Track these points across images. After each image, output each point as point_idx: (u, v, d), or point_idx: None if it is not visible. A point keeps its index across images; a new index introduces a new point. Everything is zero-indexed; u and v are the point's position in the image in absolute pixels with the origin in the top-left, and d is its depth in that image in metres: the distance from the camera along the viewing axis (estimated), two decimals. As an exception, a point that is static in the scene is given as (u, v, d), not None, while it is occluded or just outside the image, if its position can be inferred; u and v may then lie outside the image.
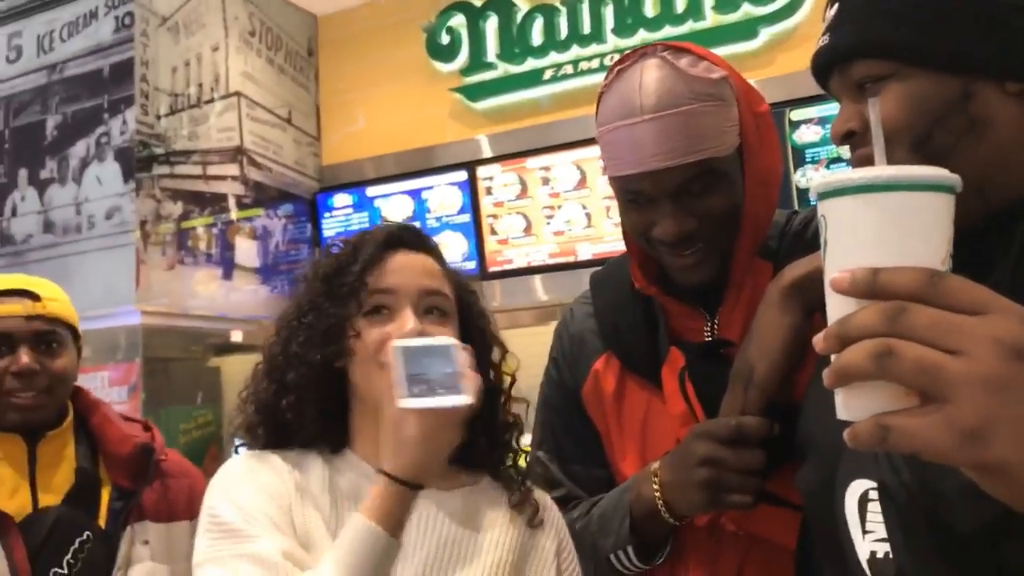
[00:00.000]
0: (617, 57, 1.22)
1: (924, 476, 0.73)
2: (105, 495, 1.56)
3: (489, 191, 4.04)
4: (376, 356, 1.05)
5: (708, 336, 1.23)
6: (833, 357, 0.56)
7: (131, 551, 1.52)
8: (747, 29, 3.67)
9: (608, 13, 3.92)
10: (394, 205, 4.25)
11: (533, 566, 1.11)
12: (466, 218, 4.08)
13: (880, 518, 0.78)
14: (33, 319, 1.54)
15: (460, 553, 1.08)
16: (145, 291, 3.53)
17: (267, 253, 4.15)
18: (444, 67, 4.22)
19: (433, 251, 1.16)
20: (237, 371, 3.97)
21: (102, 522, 1.53)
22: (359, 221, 4.29)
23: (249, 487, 1.05)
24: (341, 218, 4.34)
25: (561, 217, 3.91)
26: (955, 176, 0.58)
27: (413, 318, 1.06)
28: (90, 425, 1.64)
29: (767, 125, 1.21)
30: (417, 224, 1.24)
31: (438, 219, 4.14)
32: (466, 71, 4.18)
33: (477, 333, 1.15)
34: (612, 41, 3.90)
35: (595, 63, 3.92)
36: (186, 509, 1.61)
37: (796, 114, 3.48)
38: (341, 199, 4.34)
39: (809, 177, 3.45)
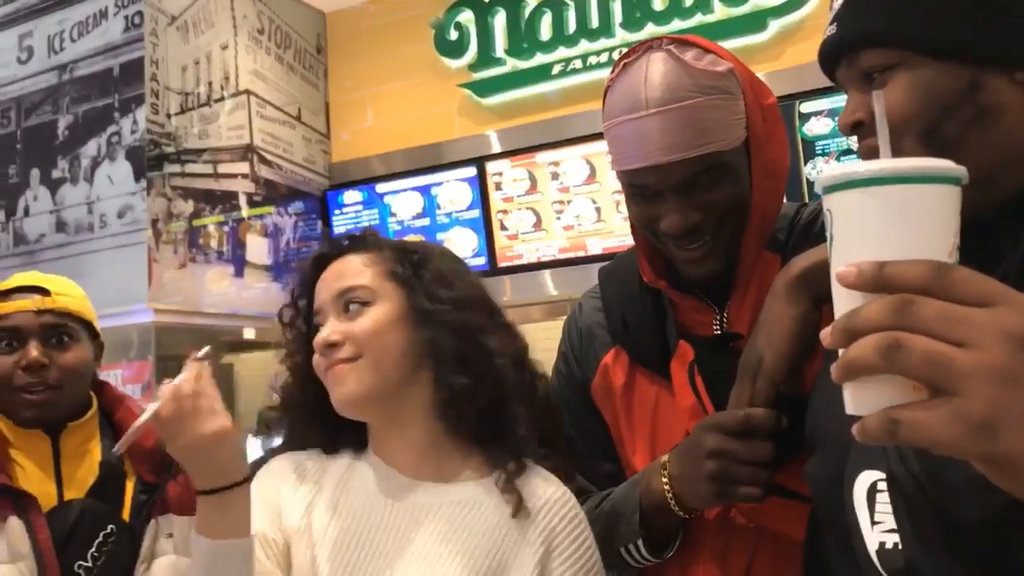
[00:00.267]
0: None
1: (933, 467, 0.73)
2: (129, 489, 1.57)
3: (498, 186, 4.04)
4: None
5: (717, 329, 1.22)
6: (841, 351, 0.56)
7: (155, 544, 1.52)
8: (756, 22, 3.66)
9: (616, 7, 3.92)
10: (403, 202, 4.26)
11: (517, 564, 1.08)
12: (475, 214, 4.09)
13: (889, 509, 0.77)
14: (43, 313, 1.54)
15: (442, 547, 1.09)
16: (157, 289, 3.55)
17: (278, 250, 4.16)
18: (453, 63, 4.22)
19: (355, 246, 1.20)
20: (251, 368, 4.00)
21: (126, 515, 1.53)
22: (369, 218, 4.30)
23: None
24: (351, 215, 4.35)
25: (571, 212, 3.91)
26: (961, 168, 0.58)
27: (324, 328, 1.14)
28: (114, 419, 1.65)
29: (774, 118, 1.21)
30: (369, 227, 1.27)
31: (448, 215, 4.15)
32: (475, 67, 4.18)
33: (434, 293, 1.15)
34: (620, 35, 3.90)
35: (604, 57, 3.92)
36: None
37: (806, 106, 3.47)
38: (351, 196, 4.35)
39: (820, 170, 3.44)
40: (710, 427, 1.09)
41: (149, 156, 3.61)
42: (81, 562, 1.46)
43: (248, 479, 1.08)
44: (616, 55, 3.84)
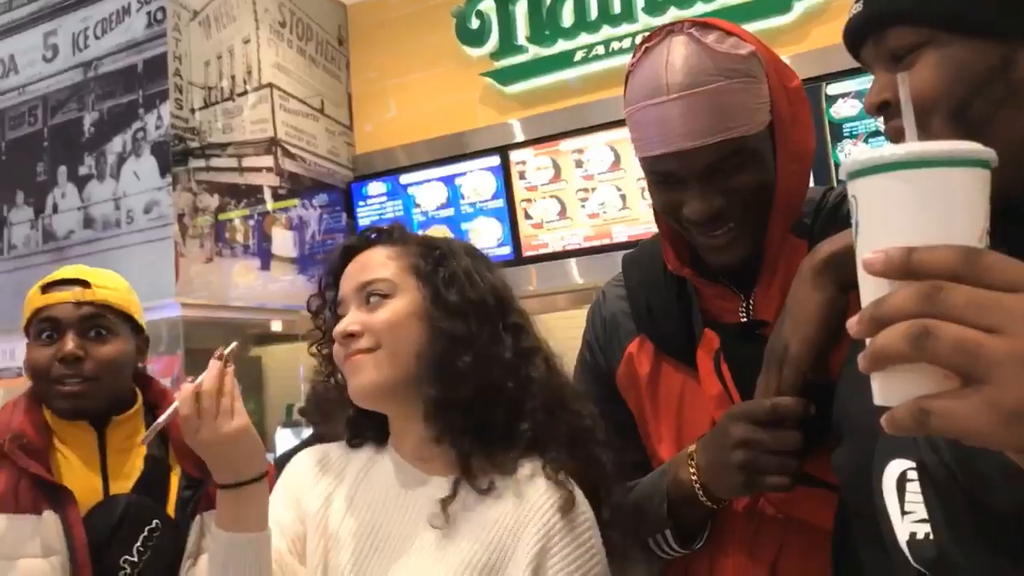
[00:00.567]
0: (646, 36, 1.20)
1: (964, 456, 0.72)
2: (174, 483, 1.58)
3: (522, 175, 4.03)
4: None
5: (743, 316, 1.21)
6: (868, 341, 0.55)
7: (201, 541, 1.52)
8: (780, 3, 3.61)
9: (638, -8, 3.89)
10: (427, 192, 4.26)
11: (514, 560, 1.07)
12: (500, 203, 4.09)
13: (919, 498, 0.76)
14: (81, 305, 1.55)
15: (445, 540, 1.10)
16: (185, 284, 3.57)
17: (303, 243, 4.18)
18: (474, 52, 4.21)
19: (380, 239, 1.22)
20: (278, 361, 4.03)
21: (171, 510, 1.54)
22: (393, 209, 4.31)
23: (276, 489, 1.23)
24: (376, 206, 4.36)
25: (595, 199, 3.90)
26: (990, 150, 0.56)
27: (345, 319, 1.16)
28: (158, 414, 1.64)
29: (799, 100, 1.18)
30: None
31: (472, 205, 4.15)
32: (496, 55, 4.17)
33: (444, 296, 1.15)
34: (643, 20, 3.87)
35: (626, 43, 3.89)
36: None
37: (832, 88, 3.42)
38: (375, 188, 4.36)
39: (848, 152, 3.40)
40: (737, 416, 1.08)
41: (174, 151, 3.63)
42: (127, 556, 1.47)
43: (265, 475, 1.12)
44: (639, 40, 3.78)
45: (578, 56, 3.99)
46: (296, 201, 4.16)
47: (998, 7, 0.81)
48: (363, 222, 4.33)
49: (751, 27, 1.21)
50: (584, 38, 3.98)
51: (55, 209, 3.91)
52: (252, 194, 3.95)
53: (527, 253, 4.03)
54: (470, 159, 4.14)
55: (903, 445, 0.78)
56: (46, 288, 1.58)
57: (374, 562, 1.11)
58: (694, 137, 1.10)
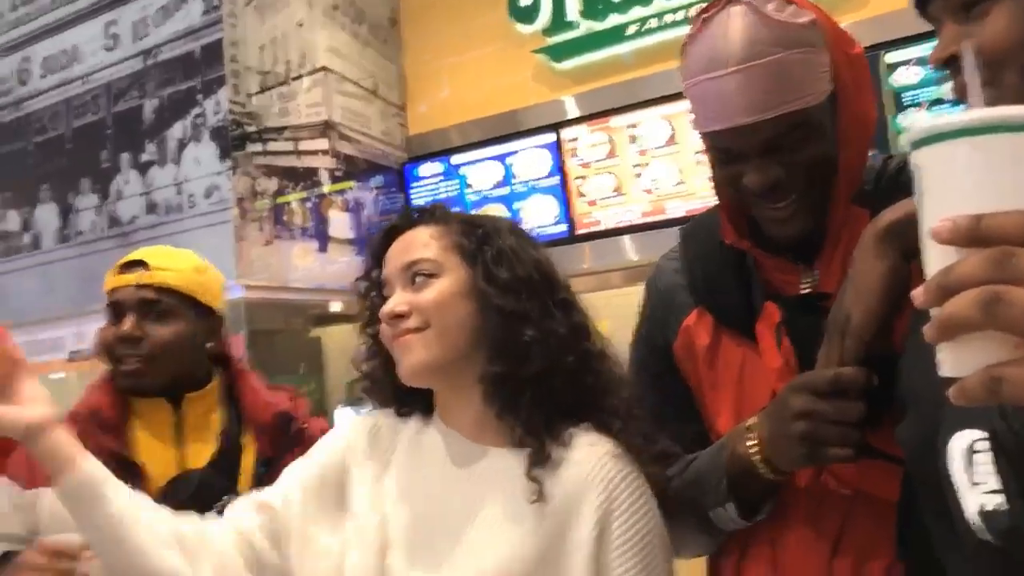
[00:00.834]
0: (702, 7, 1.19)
1: (1036, 424, 0.70)
2: (248, 461, 1.62)
3: (575, 152, 4.00)
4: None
5: (805, 289, 1.19)
6: (934, 311, 0.54)
7: None
8: (838, -30, 3.52)
9: (691, -38, 3.83)
10: (481, 172, 4.24)
11: (576, 528, 1.09)
12: (554, 181, 4.06)
13: (990, 469, 0.74)
14: (141, 288, 1.59)
15: (507, 511, 1.11)
16: (246, 266, 3.63)
17: (360, 224, 4.21)
18: (526, 29, 4.17)
19: (422, 219, 1.22)
20: (337, 341, 4.07)
21: (243, 487, 1.57)
22: (447, 190, 4.31)
23: (320, 446, 1.27)
24: (430, 187, 4.36)
25: (650, 175, 3.86)
26: None
27: (391, 300, 1.17)
28: (235, 393, 1.70)
29: (862, 67, 1.16)
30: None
31: (525, 183, 4.13)
32: (548, 31, 4.13)
33: (492, 273, 1.16)
34: (696, -9, 3.81)
35: (680, 15, 3.83)
36: None
37: (892, 56, 3.34)
38: (429, 168, 4.36)
39: (912, 120, 3.32)
40: (799, 388, 1.07)
41: (232, 136, 3.67)
42: None
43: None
44: (693, 12, 3.76)
45: (631, 30, 3.94)
46: (352, 183, 4.19)
47: None
48: (417, 203, 4.26)
49: (809, -5, 1.18)
50: (637, 11, 3.93)
51: (119, 195, 4.00)
52: (309, 177, 3.99)
53: (580, 231, 4.00)
54: (523, 137, 4.12)
55: (971, 416, 0.77)
56: (116, 271, 1.64)
57: (438, 535, 1.12)
58: (754, 111, 1.08)
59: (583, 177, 4.00)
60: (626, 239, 3.93)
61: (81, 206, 4.11)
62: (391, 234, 1.22)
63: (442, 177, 4.34)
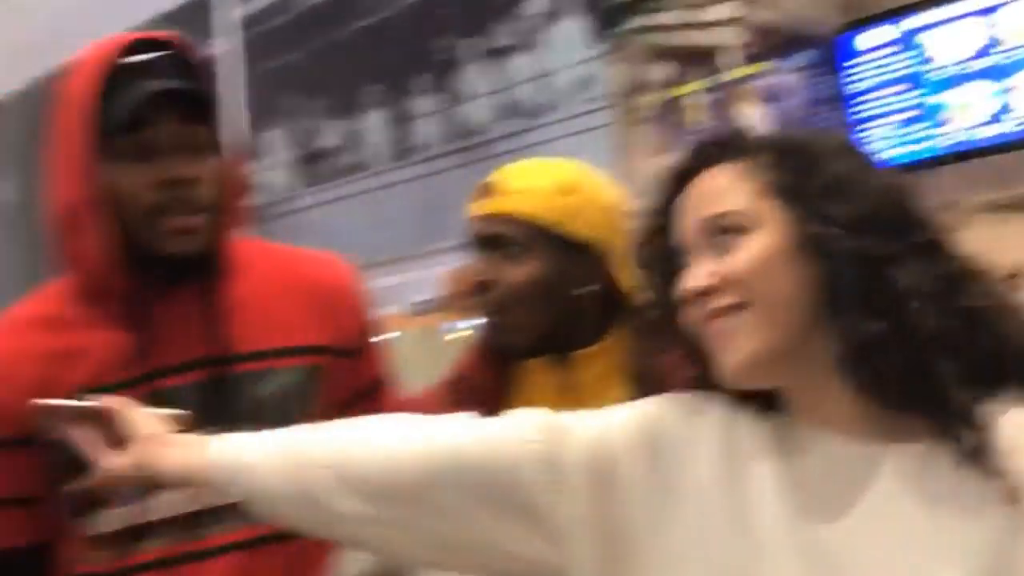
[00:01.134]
0: None
1: None
2: None
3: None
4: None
5: None
6: None
7: None
8: None
9: None
10: (951, 38, 3.26)
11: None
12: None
13: None
14: (486, 219, 1.59)
15: (931, 538, 0.91)
16: (630, 184, 2.99)
17: (780, 122, 3.44)
18: None
19: (724, 154, 1.01)
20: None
21: None
22: (899, 66, 3.37)
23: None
24: (875, 63, 3.44)
25: None
26: None
27: (691, 272, 0.99)
28: None
29: None
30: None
31: (1022, 49, 3.10)
32: None
33: (825, 211, 0.94)
34: None
35: None
36: None
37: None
38: (873, 36, 3.43)
39: None
40: None
41: (607, 7, 3.25)
42: None
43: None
44: None
45: None
46: (769, 64, 3.43)
47: None
48: (856, 88, 3.44)
49: None
50: None
51: (459, 97, 3.70)
52: (711, 59, 3.34)
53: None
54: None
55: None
56: (475, 195, 1.66)
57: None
58: None
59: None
60: None
61: (416, 112, 3.78)
62: (680, 180, 1.04)
63: (894, 48, 3.41)
